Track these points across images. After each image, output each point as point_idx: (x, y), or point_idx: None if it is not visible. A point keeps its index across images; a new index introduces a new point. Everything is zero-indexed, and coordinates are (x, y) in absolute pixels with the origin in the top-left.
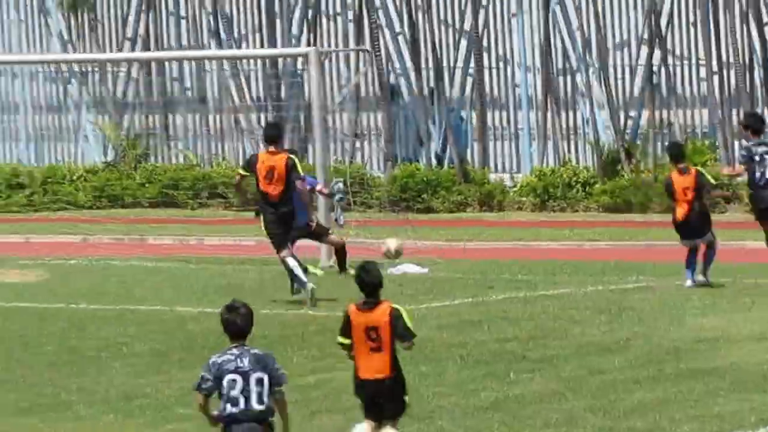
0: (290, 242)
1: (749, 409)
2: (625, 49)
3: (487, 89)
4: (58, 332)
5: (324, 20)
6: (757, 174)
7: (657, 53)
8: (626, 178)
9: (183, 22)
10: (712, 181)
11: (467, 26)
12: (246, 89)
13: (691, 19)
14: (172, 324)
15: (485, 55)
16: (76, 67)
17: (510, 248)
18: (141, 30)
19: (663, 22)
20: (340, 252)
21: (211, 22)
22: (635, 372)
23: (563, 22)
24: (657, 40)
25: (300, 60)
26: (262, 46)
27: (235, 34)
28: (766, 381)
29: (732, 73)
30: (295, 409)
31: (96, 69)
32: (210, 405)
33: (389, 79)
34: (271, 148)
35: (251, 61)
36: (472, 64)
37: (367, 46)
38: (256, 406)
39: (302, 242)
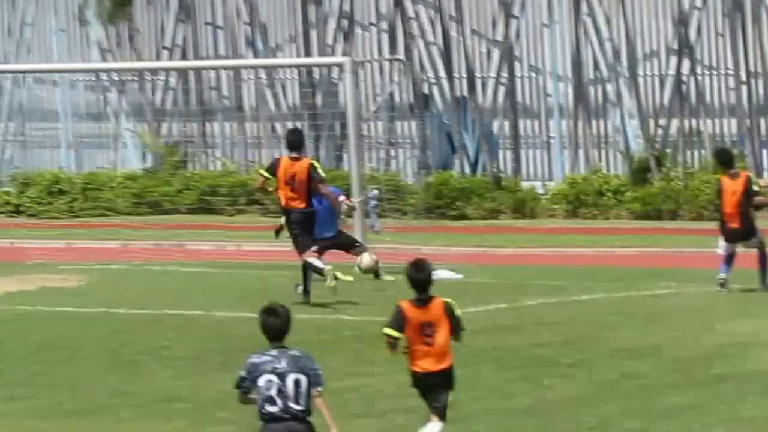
0: (318, 250)
1: None
2: (655, 59)
3: (519, 98)
4: (99, 336)
5: (359, 30)
6: None
7: (686, 63)
8: (656, 185)
9: (220, 31)
10: (755, 187)
11: (499, 36)
12: (282, 98)
13: (720, 29)
14: (211, 328)
15: (517, 65)
16: (115, 76)
17: (543, 254)
18: (178, 39)
19: (692, 32)
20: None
21: (248, 31)
22: (667, 376)
23: (593, 32)
24: (686, 51)
25: (335, 69)
26: (297, 55)
27: (271, 44)
28: None
29: (760, 82)
30: None
31: (134, 78)
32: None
33: (423, 88)
34: (293, 154)
35: (287, 70)
36: (504, 74)
37: (401, 55)
38: (294, 406)
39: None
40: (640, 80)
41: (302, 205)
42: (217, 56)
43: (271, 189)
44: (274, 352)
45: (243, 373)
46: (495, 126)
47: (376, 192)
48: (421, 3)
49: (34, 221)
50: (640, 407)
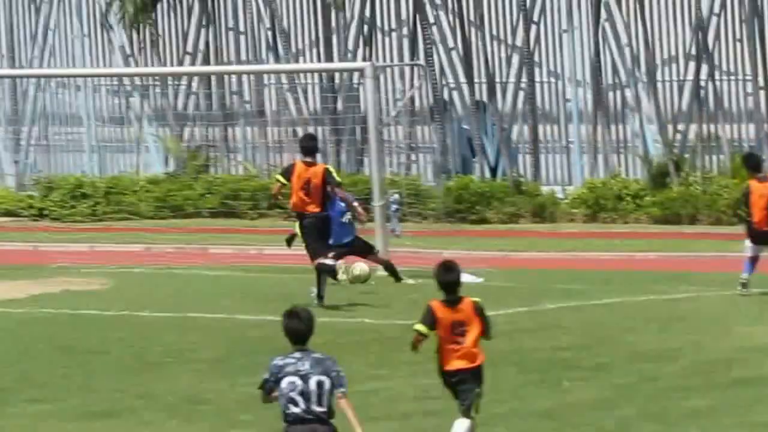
0: (335, 257)
1: None
2: (673, 65)
3: (539, 103)
4: (123, 339)
5: (379, 36)
6: None
7: (704, 68)
8: (675, 190)
9: (242, 36)
10: None
11: (519, 42)
12: (303, 103)
13: (738, 35)
14: (234, 331)
15: (536, 70)
16: (137, 81)
17: (562, 258)
18: (201, 44)
19: (710, 38)
20: (389, 267)
21: (270, 37)
22: (686, 380)
23: (612, 37)
24: (704, 56)
25: (356, 74)
26: (319, 60)
27: (293, 49)
28: None
29: None
30: None
31: (157, 82)
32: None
33: (443, 93)
34: (308, 159)
35: (308, 75)
36: (524, 79)
37: (422, 61)
38: (316, 408)
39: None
40: (659, 85)
41: (317, 210)
42: (240, 61)
43: (282, 198)
44: (297, 355)
45: (266, 375)
46: (515, 131)
47: (396, 196)
48: (441, 9)
49: (58, 225)
50: (659, 410)
